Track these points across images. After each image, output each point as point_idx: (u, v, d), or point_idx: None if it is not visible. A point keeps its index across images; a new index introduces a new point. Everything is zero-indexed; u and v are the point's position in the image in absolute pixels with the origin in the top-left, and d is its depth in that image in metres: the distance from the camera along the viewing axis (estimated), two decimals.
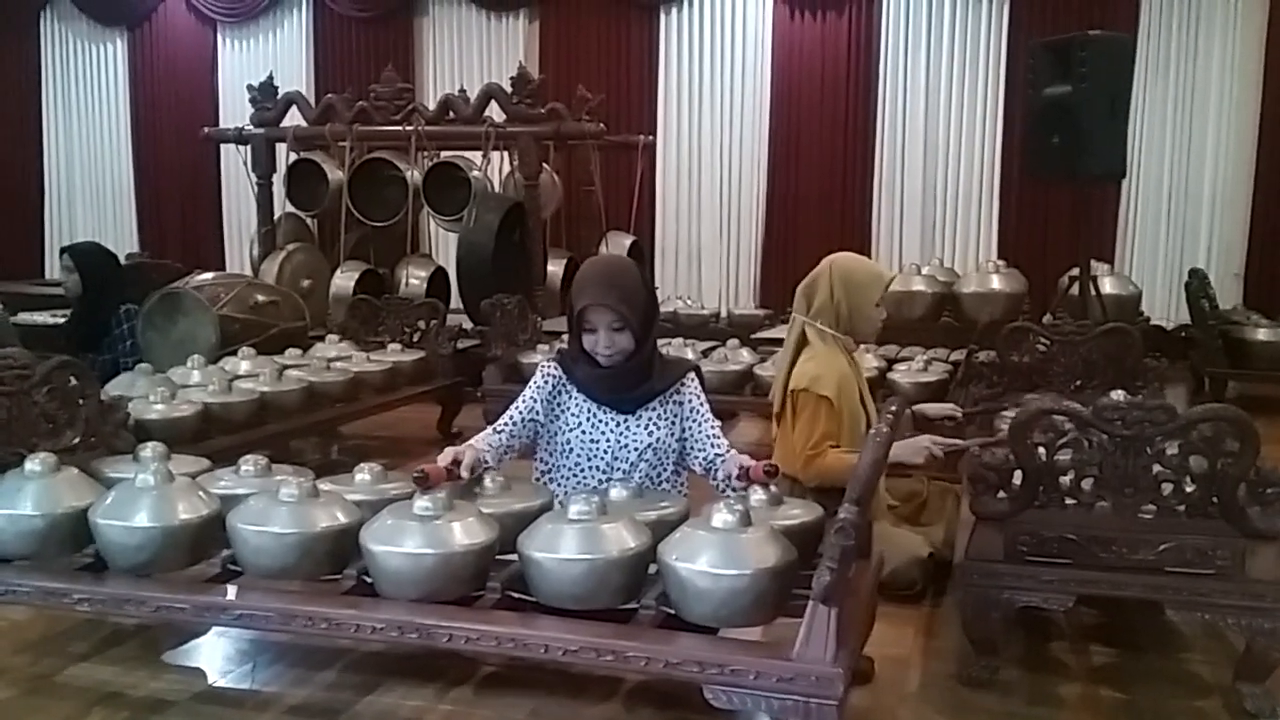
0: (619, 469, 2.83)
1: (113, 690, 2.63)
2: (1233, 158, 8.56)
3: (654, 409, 2.86)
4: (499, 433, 2.86)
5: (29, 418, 2.91)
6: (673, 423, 2.87)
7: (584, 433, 2.85)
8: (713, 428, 2.88)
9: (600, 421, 2.85)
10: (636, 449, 2.83)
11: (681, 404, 2.89)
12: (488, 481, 2.66)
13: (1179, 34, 8.57)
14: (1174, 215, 8.75)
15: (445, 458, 2.63)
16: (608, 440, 2.84)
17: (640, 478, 2.80)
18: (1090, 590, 2.63)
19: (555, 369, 2.92)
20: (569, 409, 2.88)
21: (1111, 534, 2.57)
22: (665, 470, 2.87)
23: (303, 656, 2.79)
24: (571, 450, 2.86)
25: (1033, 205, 8.74)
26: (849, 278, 3.40)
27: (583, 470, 2.86)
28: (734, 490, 2.69)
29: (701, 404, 2.90)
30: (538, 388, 2.90)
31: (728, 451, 2.83)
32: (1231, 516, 2.52)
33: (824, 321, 3.39)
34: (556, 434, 2.89)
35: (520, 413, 2.89)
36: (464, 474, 2.62)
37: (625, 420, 2.84)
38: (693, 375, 2.94)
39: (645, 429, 2.84)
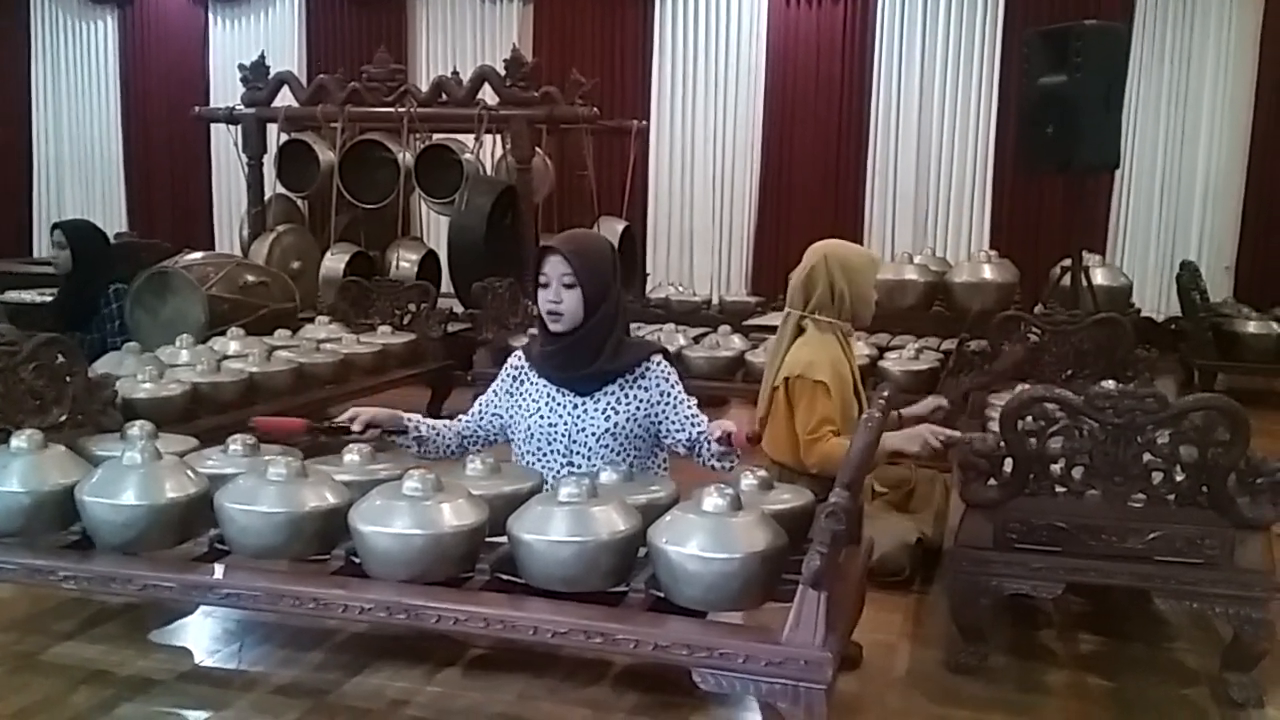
0: (578, 453, 2.78)
1: (99, 669, 2.62)
2: (1225, 151, 8.58)
3: (612, 392, 2.80)
4: (457, 421, 2.97)
5: (16, 394, 2.90)
6: (635, 407, 2.79)
7: (542, 417, 2.82)
8: (689, 408, 2.83)
9: (558, 405, 2.82)
10: (594, 433, 2.77)
11: (648, 389, 2.81)
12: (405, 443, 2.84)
13: (1174, 25, 8.57)
14: (1166, 207, 8.77)
15: (345, 416, 2.77)
16: (564, 423, 2.80)
17: (599, 464, 2.73)
18: (1079, 578, 2.64)
19: (519, 359, 2.93)
20: (529, 395, 2.87)
21: (1101, 522, 2.57)
22: (629, 456, 2.81)
23: (290, 637, 2.78)
24: (533, 435, 2.83)
25: (1025, 195, 8.75)
26: (847, 264, 3.36)
27: (544, 455, 2.82)
28: (718, 459, 2.69)
29: (672, 386, 2.84)
30: (499, 381, 2.94)
31: (708, 426, 2.78)
32: (1221, 506, 2.52)
33: (825, 313, 3.35)
34: (520, 420, 2.87)
35: (480, 405, 2.96)
36: (355, 428, 2.75)
37: (582, 403, 2.80)
38: (659, 359, 2.87)
39: (602, 413, 2.78)
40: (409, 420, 2.86)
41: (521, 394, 2.89)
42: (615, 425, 2.78)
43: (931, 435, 3.26)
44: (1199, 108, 8.58)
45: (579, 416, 2.80)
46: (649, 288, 8.49)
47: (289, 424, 2.73)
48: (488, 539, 2.37)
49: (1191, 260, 7.32)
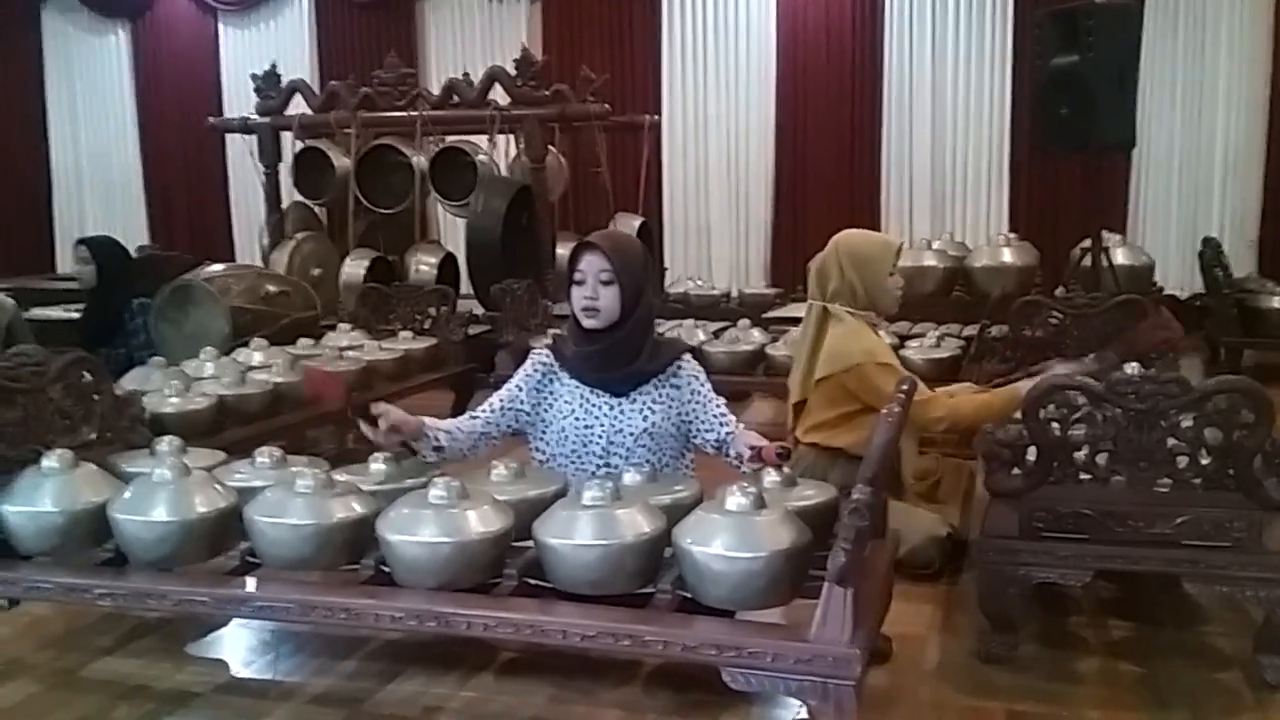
0: (616, 454, 2.80)
1: (137, 683, 2.65)
2: (1244, 124, 8.49)
3: (648, 392, 2.82)
4: (474, 419, 2.91)
5: (45, 414, 2.92)
6: (669, 406, 2.83)
7: (577, 419, 2.82)
8: (718, 407, 2.86)
9: (594, 406, 2.82)
10: (632, 433, 2.79)
11: (679, 387, 2.85)
12: (425, 453, 2.81)
13: (1187, 0, 8.48)
14: (1186, 184, 8.69)
15: (379, 408, 2.72)
16: (602, 425, 2.81)
17: (638, 464, 2.74)
18: (1107, 565, 2.63)
19: (547, 355, 2.91)
20: (561, 396, 2.86)
21: (1127, 508, 2.56)
22: (665, 455, 2.84)
23: (324, 646, 2.80)
24: (567, 438, 2.83)
25: (1043, 177, 8.70)
26: (857, 254, 3.39)
27: (579, 457, 2.83)
28: (746, 469, 2.69)
29: (703, 385, 2.87)
30: (525, 375, 2.91)
31: (737, 428, 2.81)
32: (1248, 488, 2.51)
33: (843, 303, 3.37)
34: (551, 422, 2.86)
35: (501, 400, 2.92)
36: (381, 425, 2.68)
37: (619, 404, 2.81)
38: (688, 357, 2.91)
39: (640, 413, 2.80)
40: (430, 430, 2.84)
41: (551, 393, 2.89)
42: (653, 425, 2.80)
43: (1066, 370, 3.27)
44: (1215, 81, 8.50)
45: (616, 418, 2.81)
46: (668, 282, 8.49)
47: (333, 388, 2.73)
48: (514, 544, 2.38)
49: (1214, 236, 7.26)
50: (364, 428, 2.73)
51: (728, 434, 2.81)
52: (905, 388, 2.47)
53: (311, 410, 4.39)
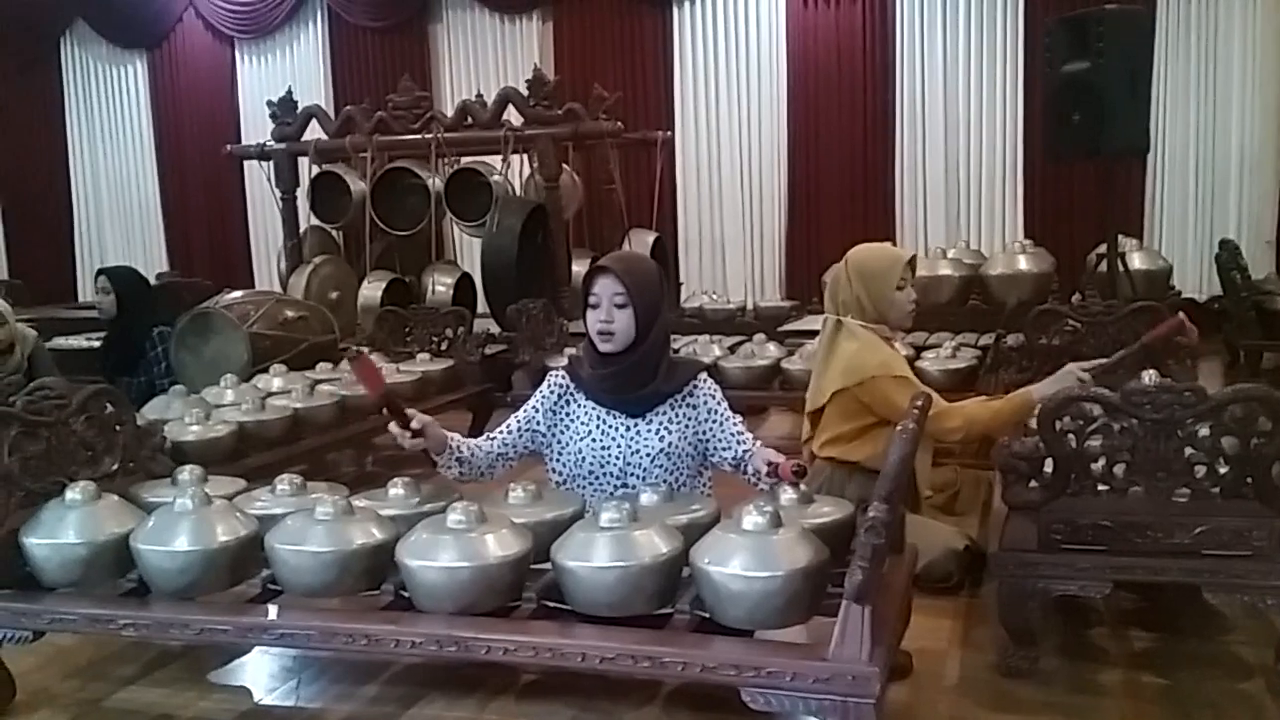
0: (633, 475, 2.81)
1: (162, 712, 2.67)
2: (1258, 125, 8.45)
3: (664, 413, 2.83)
4: (492, 440, 2.93)
5: (68, 447, 2.95)
6: (686, 426, 2.83)
7: (594, 440, 2.83)
8: (735, 425, 2.85)
9: (610, 428, 2.83)
10: (649, 454, 2.80)
11: (696, 407, 2.85)
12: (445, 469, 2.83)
13: (1199, 3, 8.46)
14: (1201, 186, 8.65)
15: (412, 411, 2.75)
16: (619, 446, 2.82)
17: (655, 484, 2.74)
18: (1127, 576, 2.62)
19: (563, 377, 2.93)
20: (578, 418, 2.87)
21: (1146, 519, 2.55)
22: (682, 474, 2.84)
23: (346, 671, 2.82)
24: (584, 459, 2.84)
25: (1058, 183, 8.66)
26: (863, 269, 3.41)
27: (596, 479, 2.84)
28: (765, 486, 2.69)
29: (719, 403, 2.87)
30: (542, 397, 2.93)
31: (755, 445, 2.82)
32: (1267, 497, 2.50)
33: (854, 316, 3.39)
34: (568, 444, 2.87)
35: (519, 421, 2.93)
36: (414, 425, 2.70)
37: (635, 425, 2.82)
38: (705, 376, 2.91)
39: (656, 434, 2.81)
40: (452, 440, 2.86)
41: (568, 415, 2.90)
42: (669, 445, 2.80)
43: (1079, 370, 3.27)
44: (1229, 82, 8.46)
45: (633, 439, 2.82)
46: (683, 297, 8.51)
47: (375, 380, 2.77)
48: (533, 566, 2.39)
49: (1231, 238, 7.23)
50: (392, 428, 2.75)
51: (745, 452, 2.80)
52: (920, 403, 2.47)
53: (335, 434, 4.45)
